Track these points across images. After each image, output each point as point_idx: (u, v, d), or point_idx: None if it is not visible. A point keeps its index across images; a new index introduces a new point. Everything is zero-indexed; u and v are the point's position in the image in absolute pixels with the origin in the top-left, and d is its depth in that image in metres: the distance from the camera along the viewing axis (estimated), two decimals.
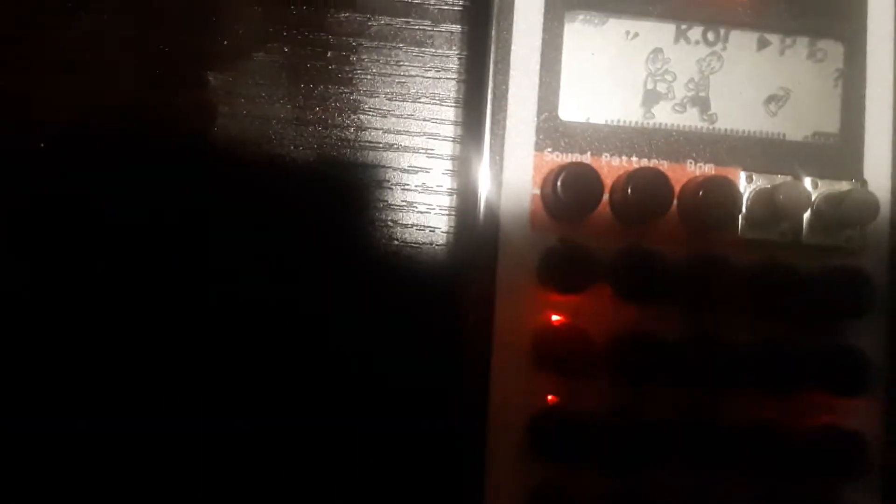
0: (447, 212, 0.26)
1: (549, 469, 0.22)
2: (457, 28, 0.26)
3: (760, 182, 0.23)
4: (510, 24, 0.23)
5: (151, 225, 0.25)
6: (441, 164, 0.26)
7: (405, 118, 0.26)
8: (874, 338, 0.23)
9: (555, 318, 0.22)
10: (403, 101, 0.26)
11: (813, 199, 0.23)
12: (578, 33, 0.23)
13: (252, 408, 0.25)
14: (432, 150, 0.26)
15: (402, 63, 0.26)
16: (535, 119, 0.23)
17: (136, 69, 0.26)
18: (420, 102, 0.26)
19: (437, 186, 0.26)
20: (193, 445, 0.24)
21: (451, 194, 0.26)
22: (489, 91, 0.23)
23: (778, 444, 0.21)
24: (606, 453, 0.22)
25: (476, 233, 0.23)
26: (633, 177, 0.22)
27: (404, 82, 0.26)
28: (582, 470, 0.22)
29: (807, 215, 0.23)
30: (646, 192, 0.22)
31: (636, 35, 0.23)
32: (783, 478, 0.22)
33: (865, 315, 0.22)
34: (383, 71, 0.26)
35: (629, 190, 0.22)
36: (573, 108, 0.23)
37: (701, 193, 0.22)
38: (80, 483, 0.24)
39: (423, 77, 0.26)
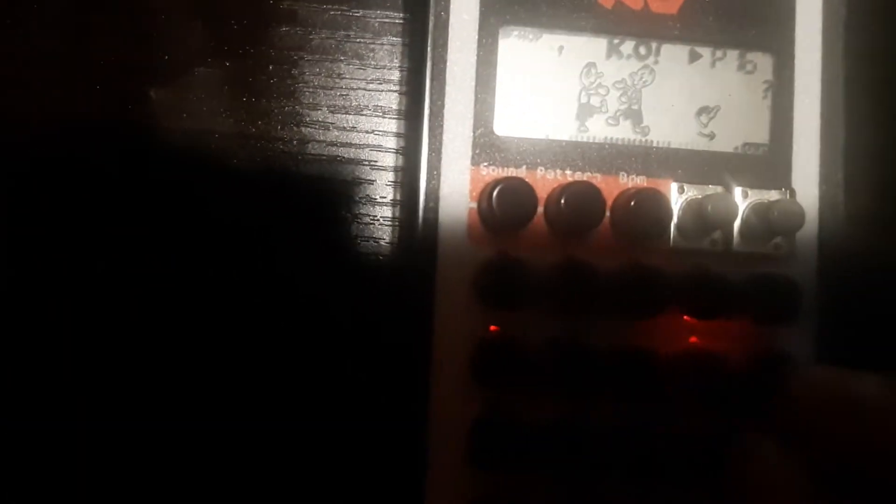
0: (391, 223, 0.26)
1: (491, 480, 0.22)
2: (397, 41, 0.26)
3: (691, 193, 0.23)
4: (445, 40, 0.23)
5: (91, 243, 0.25)
6: (385, 175, 0.26)
7: (348, 130, 0.26)
8: (803, 343, 0.23)
9: (492, 329, 0.23)
10: (346, 113, 0.26)
11: (742, 208, 0.23)
12: (513, 49, 0.23)
13: (193, 409, 0.25)
14: (375, 161, 0.26)
15: (343, 76, 0.26)
16: (472, 134, 0.23)
17: (75, 85, 0.26)
18: (363, 115, 0.26)
19: (381, 198, 0.26)
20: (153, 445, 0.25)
21: (394, 205, 0.26)
22: (426, 106, 0.23)
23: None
24: (549, 460, 0.22)
25: (415, 247, 0.23)
26: (566, 190, 0.22)
27: (346, 95, 0.27)
28: (524, 479, 0.22)
29: (737, 224, 0.23)
30: (578, 205, 0.22)
31: (569, 50, 0.24)
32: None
33: (793, 321, 0.23)
34: (325, 84, 0.26)
35: (562, 203, 0.22)
36: (508, 123, 0.23)
37: (632, 205, 0.22)
38: (75, 482, 0.24)
39: (365, 90, 0.27)
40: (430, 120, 0.23)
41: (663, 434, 0.22)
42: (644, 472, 0.22)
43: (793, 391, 0.19)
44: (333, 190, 0.26)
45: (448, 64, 0.23)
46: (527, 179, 0.23)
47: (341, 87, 0.27)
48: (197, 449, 0.25)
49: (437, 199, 0.23)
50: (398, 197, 0.26)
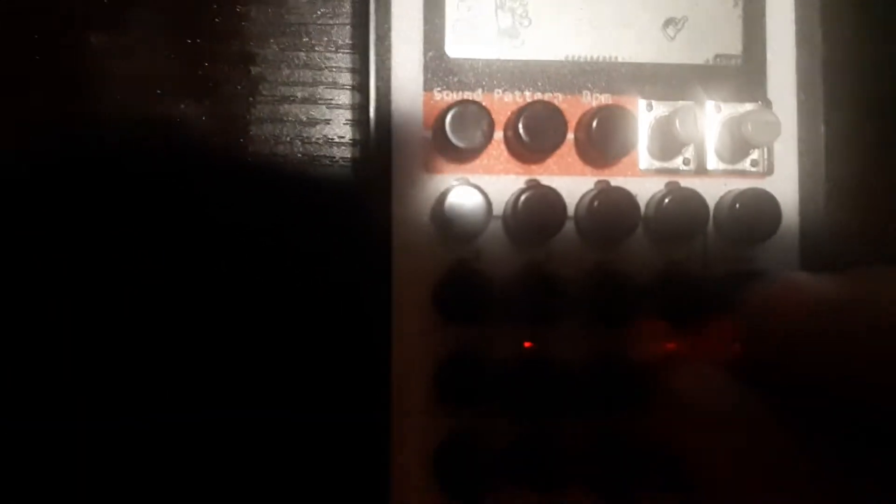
0: (349, 163, 0.25)
1: (455, 421, 0.21)
2: None
3: (661, 110, 0.22)
4: None
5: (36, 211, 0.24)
6: (341, 114, 0.25)
7: (300, 68, 0.25)
8: (786, 260, 0.22)
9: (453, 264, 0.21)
10: (297, 50, 0.25)
11: (715, 123, 0.22)
12: None
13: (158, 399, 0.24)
14: (331, 100, 0.25)
15: (292, 10, 0.25)
16: (422, 57, 0.22)
17: (8, 35, 0.24)
18: (315, 51, 0.25)
19: (339, 138, 0.25)
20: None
21: (353, 145, 0.25)
22: (371, 30, 0.22)
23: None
24: (511, 399, 0.21)
25: (369, 182, 0.22)
26: (524, 112, 0.21)
27: (296, 30, 0.25)
28: (487, 419, 0.21)
29: (710, 141, 0.22)
30: (538, 127, 0.21)
31: None
32: None
33: (774, 238, 0.22)
34: (273, 20, 0.25)
35: (521, 126, 0.21)
36: (461, 44, 0.22)
37: (595, 124, 0.21)
38: (58, 477, 0.24)
39: (315, 24, 0.25)
40: (376, 45, 0.22)
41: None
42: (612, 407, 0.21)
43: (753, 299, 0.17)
44: (289, 133, 0.25)
45: None
46: (483, 103, 0.21)
47: (290, 23, 0.25)
48: (166, 441, 0.24)
49: (388, 129, 0.21)
50: (356, 136, 0.25)
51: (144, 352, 0.24)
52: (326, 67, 0.25)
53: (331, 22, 0.25)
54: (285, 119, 0.25)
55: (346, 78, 0.25)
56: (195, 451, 0.24)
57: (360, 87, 0.24)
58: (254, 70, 0.25)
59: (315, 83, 0.25)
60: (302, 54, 0.25)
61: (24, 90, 0.24)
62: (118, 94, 0.25)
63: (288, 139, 0.25)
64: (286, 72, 0.25)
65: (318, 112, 0.25)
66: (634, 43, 0.22)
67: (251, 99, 0.25)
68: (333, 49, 0.25)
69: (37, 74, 0.24)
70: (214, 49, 0.25)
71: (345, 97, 0.25)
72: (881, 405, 0.15)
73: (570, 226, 0.21)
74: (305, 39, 0.25)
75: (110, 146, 0.24)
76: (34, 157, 0.24)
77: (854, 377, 0.15)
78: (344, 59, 0.25)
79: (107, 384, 0.24)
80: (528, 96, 0.22)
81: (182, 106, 0.25)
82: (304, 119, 0.25)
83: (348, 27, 0.25)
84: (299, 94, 0.25)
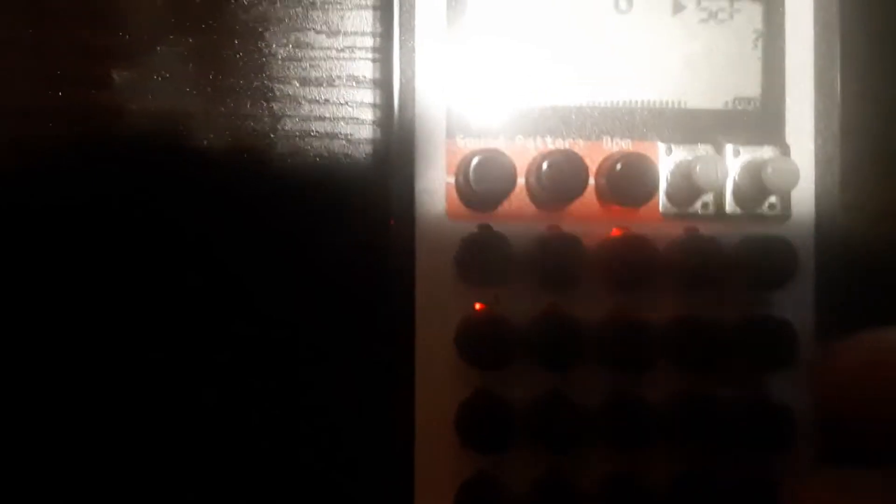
0: (368, 199, 0.25)
1: (480, 461, 0.22)
2: (367, 4, 0.25)
3: (680, 154, 0.22)
4: (412, 5, 0.22)
5: (63, 229, 0.24)
6: (362, 148, 0.25)
7: (320, 104, 0.25)
8: (800, 307, 0.22)
9: (476, 307, 0.22)
10: (318, 85, 0.25)
11: (734, 168, 0.22)
12: (484, 10, 0.22)
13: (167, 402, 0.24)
14: (351, 135, 0.25)
15: (312, 46, 0.25)
16: (445, 105, 0.22)
17: (34, 71, 0.24)
18: (335, 86, 0.25)
19: (360, 174, 0.25)
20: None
21: (371, 182, 0.25)
22: (396, 77, 0.22)
23: (705, 418, 0.21)
24: (536, 436, 0.21)
25: (392, 227, 0.22)
26: (546, 160, 0.21)
27: (317, 65, 0.25)
28: (512, 458, 0.22)
29: (729, 185, 0.22)
30: (560, 175, 0.21)
31: (544, 7, 0.22)
32: (710, 450, 0.22)
33: (789, 284, 0.22)
34: (294, 55, 0.25)
35: (542, 174, 0.21)
36: (483, 91, 0.22)
37: (617, 171, 0.21)
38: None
39: (337, 59, 0.25)
40: (400, 91, 0.22)
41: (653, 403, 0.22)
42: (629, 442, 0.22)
43: None
44: (308, 167, 0.25)
45: (416, 31, 0.22)
46: (505, 150, 0.21)
47: (311, 58, 0.25)
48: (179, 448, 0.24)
49: (412, 175, 0.22)
50: (374, 170, 0.25)
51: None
52: (346, 103, 0.25)
53: (353, 56, 0.25)
54: (307, 154, 0.25)
55: (367, 113, 0.25)
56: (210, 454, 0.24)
57: (380, 125, 0.25)
58: (275, 105, 0.25)
59: (335, 119, 0.25)
60: (322, 89, 0.25)
61: (59, 126, 0.24)
62: (139, 129, 0.25)
63: (308, 175, 0.25)
64: (307, 107, 0.25)
65: (337, 147, 0.25)
66: (654, 86, 0.23)
67: (272, 135, 0.25)
68: (353, 85, 0.25)
69: (59, 109, 0.25)
70: (236, 85, 0.25)
71: (366, 132, 0.25)
72: None
73: (590, 271, 0.22)
74: (326, 75, 0.25)
75: (132, 182, 0.25)
76: (60, 192, 0.25)
77: None
78: (365, 95, 0.25)
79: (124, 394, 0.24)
80: (550, 142, 0.22)
81: (204, 141, 0.25)
82: (325, 154, 0.25)
83: (369, 62, 0.25)
84: (319, 130, 0.25)
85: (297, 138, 0.25)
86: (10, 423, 0.24)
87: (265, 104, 0.25)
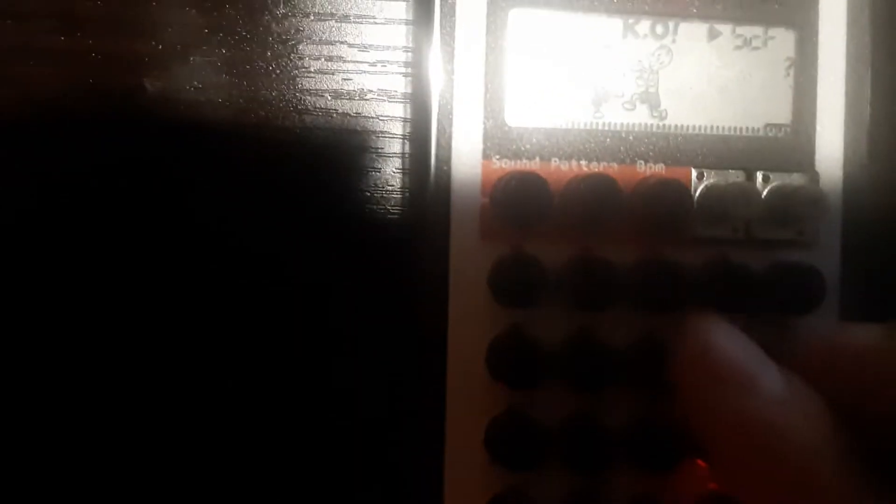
0: (400, 214, 0.25)
1: (509, 476, 0.22)
2: (401, 19, 0.25)
3: (712, 179, 0.23)
4: (453, 24, 0.22)
5: (88, 241, 0.24)
6: (392, 163, 0.25)
7: (352, 117, 0.25)
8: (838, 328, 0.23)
9: (508, 327, 0.22)
10: (349, 99, 0.25)
11: (764, 194, 0.23)
12: (523, 32, 0.22)
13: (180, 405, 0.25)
14: (381, 149, 0.26)
15: (345, 59, 0.25)
16: (482, 125, 0.22)
17: (67, 80, 0.24)
18: (366, 100, 0.25)
19: (389, 187, 0.25)
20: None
21: (402, 195, 0.25)
22: (433, 99, 0.22)
23: None
24: (564, 455, 0.22)
25: (426, 244, 0.22)
26: (581, 184, 0.21)
27: (349, 79, 0.25)
28: (541, 475, 0.22)
29: (758, 210, 0.23)
30: (594, 199, 0.21)
31: (583, 32, 0.22)
32: None
33: (816, 310, 0.22)
34: (326, 69, 0.25)
35: (577, 197, 0.21)
36: (520, 113, 0.22)
37: (651, 197, 0.22)
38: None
39: (369, 73, 0.25)
40: (437, 111, 0.22)
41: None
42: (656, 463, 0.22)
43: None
44: (339, 181, 0.25)
45: (456, 50, 0.22)
46: (540, 172, 0.22)
47: (343, 72, 0.25)
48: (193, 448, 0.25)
49: (448, 195, 0.22)
50: (407, 186, 0.25)
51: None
52: (377, 117, 0.25)
53: (385, 70, 0.25)
54: (337, 168, 0.25)
55: (397, 127, 0.25)
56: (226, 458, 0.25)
57: (413, 141, 0.25)
58: (306, 118, 0.25)
59: (367, 132, 0.25)
60: (354, 103, 0.25)
61: (92, 135, 0.24)
62: (170, 140, 0.25)
63: (339, 188, 0.25)
64: (338, 120, 0.25)
65: (368, 161, 0.25)
66: (688, 112, 0.23)
67: (303, 148, 0.25)
68: (385, 99, 0.25)
69: (91, 119, 0.25)
70: (268, 97, 0.25)
71: (396, 146, 0.25)
72: None
73: (621, 293, 0.22)
74: (358, 88, 0.25)
75: (162, 193, 0.25)
76: (90, 200, 0.25)
77: None
78: (396, 109, 0.25)
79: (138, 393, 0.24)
80: (584, 166, 0.22)
81: (236, 152, 0.25)
82: (356, 168, 0.25)
83: (401, 77, 0.25)
84: (351, 143, 0.25)
85: (329, 151, 0.25)
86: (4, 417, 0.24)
87: (297, 116, 0.25)
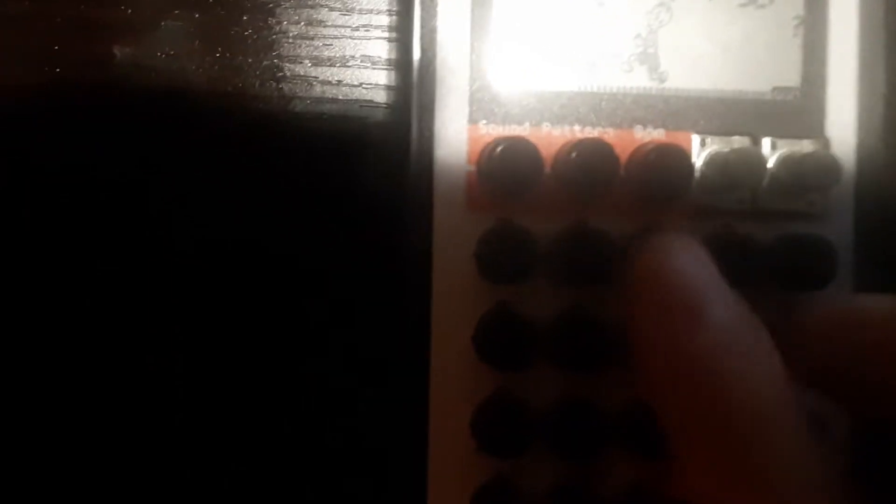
0: (380, 185, 0.24)
1: (497, 463, 0.21)
2: None
3: (715, 146, 0.21)
4: None
5: (60, 217, 0.23)
6: (375, 133, 0.24)
7: (333, 85, 0.24)
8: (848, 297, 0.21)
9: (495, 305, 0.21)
10: (331, 65, 0.24)
11: (771, 162, 0.21)
12: None
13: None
14: (365, 118, 0.24)
15: (325, 24, 0.24)
16: (468, 88, 0.21)
17: (33, 48, 0.23)
18: (348, 66, 0.24)
19: (373, 157, 0.24)
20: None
21: (385, 163, 0.24)
22: (415, 59, 0.21)
23: None
24: (554, 441, 0.20)
25: (409, 215, 0.21)
26: (574, 149, 0.20)
27: (330, 45, 0.24)
28: (531, 461, 0.21)
29: (765, 179, 0.21)
30: (588, 166, 0.20)
31: None
32: None
33: (828, 285, 0.21)
34: (306, 33, 0.24)
35: (570, 164, 0.20)
36: (508, 75, 0.21)
37: (649, 163, 0.20)
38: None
39: (351, 38, 0.24)
40: (419, 73, 0.21)
41: None
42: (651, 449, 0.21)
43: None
44: (319, 151, 0.24)
45: (439, 8, 0.21)
46: (530, 138, 0.20)
47: (324, 37, 0.24)
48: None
49: (431, 162, 0.21)
50: (390, 155, 0.24)
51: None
52: (361, 85, 0.24)
53: (367, 35, 0.24)
54: (318, 138, 0.24)
55: (381, 95, 0.24)
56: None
57: (395, 109, 0.24)
58: (285, 86, 0.24)
59: (349, 101, 0.24)
60: (336, 70, 0.24)
61: (59, 104, 0.23)
62: (141, 109, 0.24)
63: (320, 159, 0.24)
64: (319, 88, 0.24)
65: (350, 130, 0.24)
66: (689, 74, 0.21)
67: (281, 117, 0.24)
68: (369, 65, 0.24)
69: (58, 87, 0.23)
70: (244, 64, 0.24)
71: (380, 114, 0.24)
72: None
73: (617, 268, 0.20)
74: (340, 54, 0.24)
75: (133, 162, 0.24)
76: (56, 171, 0.23)
77: None
78: (380, 77, 0.24)
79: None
80: (578, 131, 0.21)
81: (210, 123, 0.24)
82: (338, 138, 0.24)
83: (385, 42, 0.24)
84: (332, 112, 0.24)
85: (309, 121, 0.24)
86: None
87: (275, 84, 0.24)
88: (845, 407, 0.19)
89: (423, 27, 0.21)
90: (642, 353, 0.17)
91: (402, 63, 0.22)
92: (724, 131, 0.21)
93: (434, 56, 0.21)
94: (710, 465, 0.15)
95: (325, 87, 0.24)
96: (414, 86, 0.21)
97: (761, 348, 0.16)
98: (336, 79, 0.24)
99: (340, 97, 0.24)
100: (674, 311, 0.16)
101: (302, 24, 0.24)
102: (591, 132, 0.21)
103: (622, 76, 0.21)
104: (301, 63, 0.24)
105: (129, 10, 0.24)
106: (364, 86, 0.24)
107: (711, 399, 0.15)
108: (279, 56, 0.24)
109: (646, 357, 0.16)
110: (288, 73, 0.24)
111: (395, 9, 0.24)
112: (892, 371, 0.17)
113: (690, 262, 0.16)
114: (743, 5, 0.21)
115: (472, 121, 0.21)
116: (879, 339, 0.17)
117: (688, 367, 0.15)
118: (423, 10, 0.21)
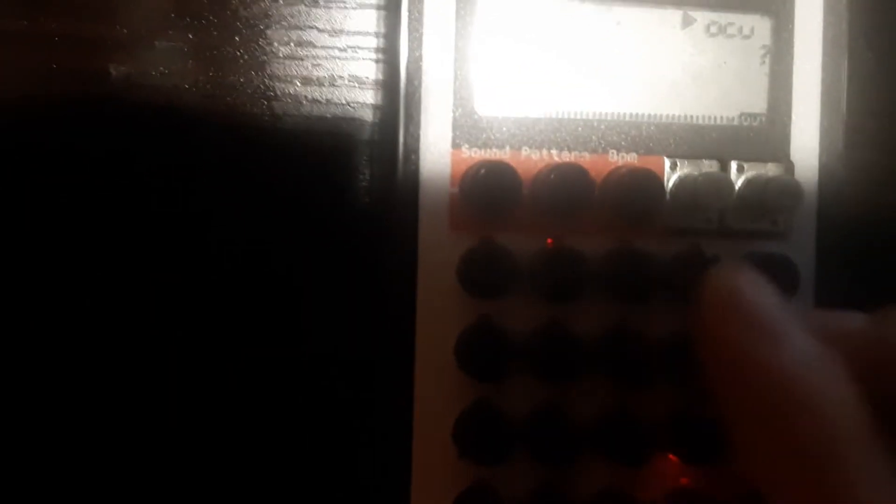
0: (367, 205, 0.25)
1: (478, 470, 0.22)
2: (372, 4, 0.25)
3: (685, 169, 0.22)
4: (421, 9, 0.22)
5: (55, 228, 0.24)
6: (362, 151, 0.25)
7: (322, 104, 0.25)
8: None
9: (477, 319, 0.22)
10: (320, 85, 0.25)
11: (738, 184, 0.22)
12: (494, 18, 0.22)
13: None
14: (352, 136, 0.25)
15: (315, 45, 0.25)
16: (452, 114, 0.22)
17: (29, 64, 0.24)
18: (336, 86, 0.25)
19: (360, 177, 0.25)
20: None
21: (371, 183, 0.25)
22: (402, 86, 0.22)
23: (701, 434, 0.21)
24: (533, 449, 0.22)
25: (394, 234, 0.22)
26: (552, 173, 0.21)
27: (319, 65, 0.25)
28: (511, 468, 0.22)
29: (732, 201, 0.22)
30: (564, 189, 0.21)
31: (554, 18, 0.22)
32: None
33: (790, 300, 0.22)
34: (296, 54, 0.25)
35: (548, 187, 0.21)
36: (490, 101, 0.22)
37: (622, 186, 0.21)
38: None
39: (340, 59, 0.25)
40: (405, 99, 0.22)
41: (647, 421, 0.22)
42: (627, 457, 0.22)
43: None
44: (307, 169, 0.25)
45: (424, 36, 0.22)
46: (511, 161, 0.21)
47: (313, 57, 0.25)
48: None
49: (416, 184, 0.22)
50: (376, 175, 0.25)
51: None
52: (348, 104, 0.25)
53: (356, 56, 0.25)
54: (306, 156, 0.25)
55: (369, 114, 0.25)
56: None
57: (382, 131, 0.24)
58: (275, 104, 0.25)
59: (337, 119, 0.25)
60: (325, 89, 0.25)
61: (54, 120, 0.24)
62: (135, 126, 0.24)
63: (307, 177, 0.25)
64: (308, 107, 0.25)
65: (338, 149, 0.25)
66: (661, 101, 0.22)
67: (271, 135, 0.25)
68: (356, 85, 0.25)
69: (54, 103, 0.24)
70: (236, 83, 0.25)
71: (368, 133, 0.25)
72: None
73: (592, 284, 0.22)
74: (328, 74, 0.25)
75: (127, 179, 0.24)
76: (54, 188, 0.24)
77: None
78: (367, 96, 0.25)
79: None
80: (556, 155, 0.22)
81: (202, 139, 0.24)
82: (326, 157, 0.25)
83: (373, 63, 0.25)
84: (321, 130, 0.25)
85: (298, 139, 0.25)
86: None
87: (265, 103, 0.25)
88: None
89: (409, 53, 0.22)
90: (720, 374, 0.17)
91: (388, 86, 0.23)
92: (694, 155, 0.22)
93: (420, 83, 0.22)
94: (793, 482, 0.16)
95: (314, 106, 0.25)
96: (400, 111, 0.21)
97: (838, 367, 0.16)
98: (325, 98, 0.25)
99: (329, 116, 0.25)
100: (756, 332, 0.17)
101: (292, 44, 0.25)
102: (568, 156, 0.22)
103: (597, 103, 0.22)
104: (291, 82, 0.25)
105: (125, 30, 0.24)
106: (352, 105, 0.25)
107: (795, 414, 0.16)
108: (270, 76, 0.25)
109: (725, 380, 0.17)
110: (278, 93, 0.25)
111: (381, 31, 0.24)
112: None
113: (763, 288, 0.17)
114: (713, 35, 0.23)
115: (456, 145, 0.22)
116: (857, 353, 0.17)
117: (772, 383, 0.16)
118: (409, 38, 0.22)
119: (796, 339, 0.17)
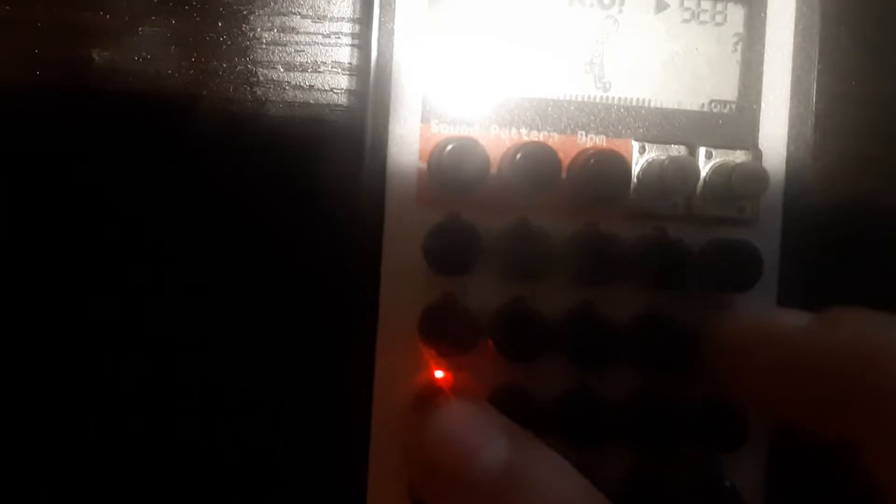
0: (336, 177, 0.25)
1: None
2: None
3: (653, 153, 0.22)
4: None
5: (31, 214, 0.24)
6: (342, 135, 0.25)
7: (305, 90, 0.25)
8: (763, 308, 0.22)
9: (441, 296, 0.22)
10: (303, 71, 0.25)
11: (705, 170, 0.22)
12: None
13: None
14: (336, 122, 0.25)
15: (298, 30, 0.25)
16: (422, 90, 0.22)
17: (12, 50, 0.24)
18: (320, 72, 0.25)
19: (344, 160, 0.25)
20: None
21: (343, 157, 0.25)
22: (373, 60, 0.22)
23: (658, 416, 0.21)
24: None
25: (360, 209, 0.22)
26: (519, 151, 0.21)
27: (302, 51, 0.25)
28: None
29: (699, 186, 0.22)
30: (532, 168, 0.21)
31: None
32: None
33: (753, 289, 0.22)
34: (279, 40, 0.25)
35: (515, 165, 0.21)
36: (461, 79, 0.22)
37: (589, 167, 0.21)
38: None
39: (322, 45, 0.25)
40: (376, 75, 0.22)
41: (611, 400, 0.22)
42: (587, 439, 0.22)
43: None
44: (286, 151, 0.25)
45: (396, 13, 0.22)
46: (479, 139, 0.22)
47: (296, 43, 0.25)
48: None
49: (384, 158, 0.22)
50: (348, 150, 0.25)
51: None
52: (332, 90, 0.25)
53: (339, 42, 0.25)
54: (290, 140, 0.25)
55: (353, 100, 0.25)
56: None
57: (355, 109, 0.25)
58: (258, 90, 0.25)
59: (321, 105, 0.25)
60: (307, 75, 0.25)
61: (36, 106, 0.24)
62: (118, 112, 0.25)
63: (292, 160, 0.25)
64: (291, 93, 0.25)
65: (323, 134, 0.25)
66: (632, 84, 0.23)
67: (255, 120, 0.25)
68: (339, 71, 0.25)
69: (36, 90, 0.25)
70: (219, 68, 0.25)
71: (350, 117, 0.25)
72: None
73: (557, 264, 0.22)
74: (311, 60, 0.25)
75: (110, 166, 0.25)
76: (35, 175, 0.24)
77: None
78: (352, 82, 0.25)
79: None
80: (525, 134, 0.22)
81: (185, 125, 0.25)
82: (310, 141, 0.25)
83: (356, 49, 0.25)
84: (304, 115, 0.25)
85: (280, 124, 0.25)
86: None
87: (248, 89, 0.25)
88: (761, 414, 0.20)
89: (380, 32, 0.22)
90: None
91: (360, 66, 0.24)
92: (663, 140, 0.22)
93: (391, 59, 0.22)
94: None
95: (297, 92, 0.25)
96: (371, 86, 0.22)
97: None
98: (308, 83, 0.25)
99: (311, 101, 0.25)
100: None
101: (275, 30, 0.25)
102: (537, 136, 0.22)
103: (568, 84, 0.22)
104: (274, 68, 0.25)
105: (108, 16, 0.25)
106: (335, 91, 0.25)
107: None
108: (253, 61, 0.25)
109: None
110: (261, 78, 0.25)
111: (358, 16, 0.25)
112: (802, 385, 0.18)
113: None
114: (686, 21, 0.23)
115: (425, 120, 0.22)
116: (791, 355, 0.18)
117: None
118: (381, 15, 0.22)
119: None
